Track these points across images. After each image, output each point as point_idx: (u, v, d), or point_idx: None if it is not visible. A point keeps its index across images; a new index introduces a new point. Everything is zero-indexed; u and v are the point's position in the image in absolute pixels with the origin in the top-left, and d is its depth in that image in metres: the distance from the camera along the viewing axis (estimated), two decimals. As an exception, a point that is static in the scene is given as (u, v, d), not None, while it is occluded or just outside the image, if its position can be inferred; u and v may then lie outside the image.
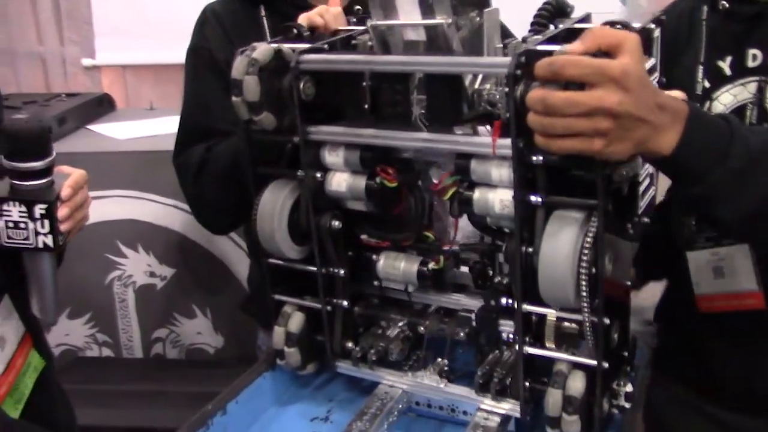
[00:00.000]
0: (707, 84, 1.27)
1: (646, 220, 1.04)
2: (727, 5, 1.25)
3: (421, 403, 1.21)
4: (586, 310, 0.98)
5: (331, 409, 1.26)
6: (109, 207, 2.22)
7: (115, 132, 2.47)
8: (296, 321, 1.24)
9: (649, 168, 1.05)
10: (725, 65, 1.26)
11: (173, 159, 1.52)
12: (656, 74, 1.04)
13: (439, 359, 1.21)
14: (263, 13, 1.49)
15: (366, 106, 1.09)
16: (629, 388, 1.09)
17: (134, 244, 2.29)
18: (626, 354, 1.11)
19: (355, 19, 1.29)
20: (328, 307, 1.21)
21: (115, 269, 2.29)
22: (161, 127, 2.36)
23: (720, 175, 0.94)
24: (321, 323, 1.25)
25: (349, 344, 1.23)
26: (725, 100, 1.26)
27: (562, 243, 0.96)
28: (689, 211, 1.26)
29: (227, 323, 2.26)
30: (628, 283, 1.05)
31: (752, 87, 1.25)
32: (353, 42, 1.16)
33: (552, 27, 1.09)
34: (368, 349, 1.22)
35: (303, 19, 1.24)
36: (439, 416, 1.21)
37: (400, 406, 1.18)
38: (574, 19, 1.09)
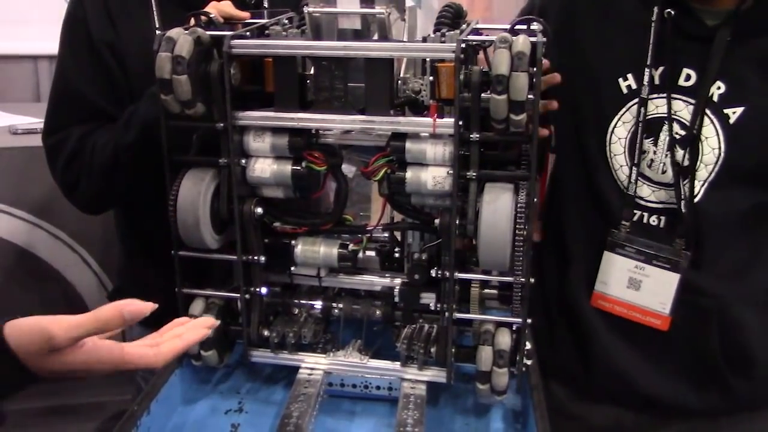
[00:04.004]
0: (633, 86, 1.28)
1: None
2: (674, 14, 1.24)
3: (334, 384, 1.25)
4: (519, 270, 1.10)
5: (242, 401, 1.26)
6: None
7: None
8: None
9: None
10: (656, 74, 1.27)
11: (44, 137, 1.42)
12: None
13: (354, 339, 1.27)
14: None
15: (303, 92, 1.12)
16: (528, 345, 1.23)
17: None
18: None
19: None
20: (247, 296, 1.21)
21: None
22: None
23: None
24: (231, 315, 1.25)
25: (266, 332, 1.23)
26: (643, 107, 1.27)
27: (500, 209, 1.07)
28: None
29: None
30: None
31: (676, 105, 1.25)
32: (266, 32, 1.18)
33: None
34: (283, 336, 1.23)
35: (212, 7, 1.23)
36: (351, 394, 1.25)
37: (325, 387, 1.22)
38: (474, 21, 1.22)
